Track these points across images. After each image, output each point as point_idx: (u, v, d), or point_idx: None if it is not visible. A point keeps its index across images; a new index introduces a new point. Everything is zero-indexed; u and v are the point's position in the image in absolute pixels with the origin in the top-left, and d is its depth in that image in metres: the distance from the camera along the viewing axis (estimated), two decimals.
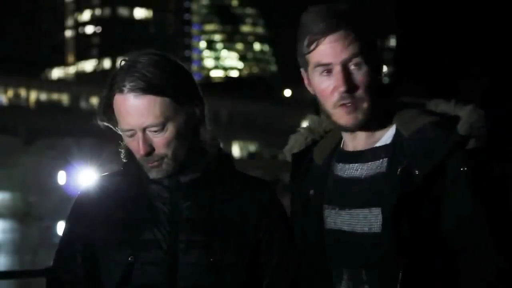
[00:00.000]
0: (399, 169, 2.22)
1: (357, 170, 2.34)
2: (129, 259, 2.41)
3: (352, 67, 2.27)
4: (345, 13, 2.28)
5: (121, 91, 2.38)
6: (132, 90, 2.36)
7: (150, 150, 2.39)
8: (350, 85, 2.26)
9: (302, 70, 2.38)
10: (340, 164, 2.39)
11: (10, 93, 76.22)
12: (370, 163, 2.32)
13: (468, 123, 2.22)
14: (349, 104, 2.27)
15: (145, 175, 2.45)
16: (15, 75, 78.14)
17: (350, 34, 2.27)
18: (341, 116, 2.29)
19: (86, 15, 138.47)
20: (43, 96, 77.66)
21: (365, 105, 2.28)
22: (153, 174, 2.44)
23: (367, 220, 2.27)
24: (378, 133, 2.34)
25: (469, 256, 2.19)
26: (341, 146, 2.43)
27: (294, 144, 2.55)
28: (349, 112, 2.28)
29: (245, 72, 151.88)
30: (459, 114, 2.25)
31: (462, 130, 2.22)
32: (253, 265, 2.46)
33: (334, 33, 2.26)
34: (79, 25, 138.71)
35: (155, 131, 2.38)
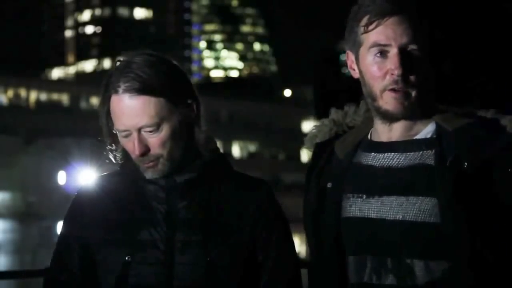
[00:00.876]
0: (448, 161, 2.19)
1: (393, 159, 2.30)
2: (126, 259, 2.41)
3: (409, 52, 2.23)
4: None
5: (116, 92, 2.38)
6: (127, 90, 2.37)
7: (145, 151, 2.39)
8: (405, 70, 2.21)
9: (348, 51, 2.34)
10: (372, 153, 2.34)
11: (10, 93, 76.23)
12: (409, 153, 2.28)
13: None
14: (399, 90, 2.23)
15: (141, 176, 2.45)
16: (15, 75, 78.07)
17: (412, 18, 2.23)
18: (388, 101, 2.25)
19: (86, 15, 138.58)
20: (43, 96, 77.66)
21: (414, 93, 2.24)
22: (149, 175, 2.44)
23: (402, 208, 2.23)
24: (416, 127, 2.30)
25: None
26: (369, 137, 2.38)
27: (318, 133, 2.51)
28: (397, 98, 2.24)
29: (245, 72, 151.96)
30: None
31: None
32: (250, 264, 2.45)
33: (396, 15, 2.23)
34: (79, 25, 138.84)
35: (150, 132, 2.38)
